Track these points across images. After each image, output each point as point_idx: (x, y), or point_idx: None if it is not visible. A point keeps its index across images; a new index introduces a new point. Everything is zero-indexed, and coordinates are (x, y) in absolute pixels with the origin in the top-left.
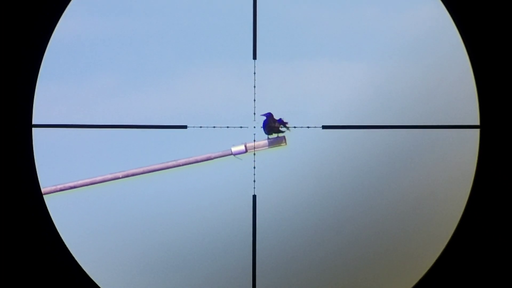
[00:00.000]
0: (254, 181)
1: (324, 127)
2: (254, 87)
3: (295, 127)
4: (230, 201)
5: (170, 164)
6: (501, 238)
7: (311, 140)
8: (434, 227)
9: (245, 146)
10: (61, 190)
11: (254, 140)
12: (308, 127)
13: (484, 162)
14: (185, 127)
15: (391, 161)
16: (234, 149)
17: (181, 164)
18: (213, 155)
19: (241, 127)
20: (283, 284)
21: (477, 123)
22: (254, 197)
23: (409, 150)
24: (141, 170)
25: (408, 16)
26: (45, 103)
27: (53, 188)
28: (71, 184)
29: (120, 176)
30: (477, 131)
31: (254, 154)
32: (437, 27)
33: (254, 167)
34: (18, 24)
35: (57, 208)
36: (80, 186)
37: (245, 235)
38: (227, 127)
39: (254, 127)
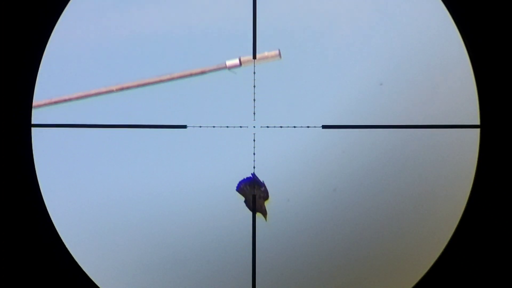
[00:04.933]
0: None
1: (324, 127)
2: (254, 86)
3: (295, 127)
4: (229, 201)
5: (164, 77)
6: (501, 238)
7: (311, 140)
8: (434, 227)
9: (240, 60)
10: (55, 102)
11: (254, 140)
12: (308, 127)
13: (484, 162)
14: (184, 126)
15: (390, 161)
16: (229, 63)
17: (175, 77)
18: (207, 68)
19: (240, 126)
20: (283, 284)
21: (477, 123)
22: (254, 197)
23: (409, 150)
24: (135, 83)
25: (408, 15)
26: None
27: (47, 101)
28: (66, 97)
29: (114, 90)
30: (477, 131)
31: (254, 153)
32: (437, 27)
33: (254, 167)
34: (17, 23)
35: (56, 207)
36: (75, 98)
37: (245, 235)
38: (227, 126)
39: (254, 126)
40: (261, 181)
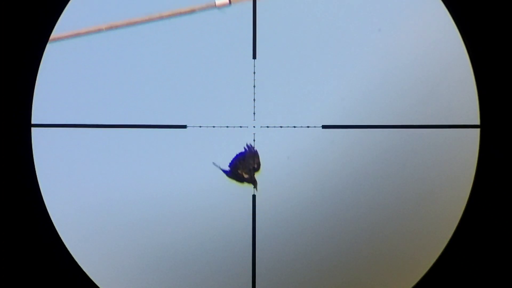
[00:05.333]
0: (254, 180)
1: (324, 127)
2: (254, 86)
3: (295, 126)
4: (229, 201)
5: (154, 16)
6: (501, 238)
7: (311, 140)
8: (434, 227)
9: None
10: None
11: (254, 140)
12: (308, 127)
13: (484, 162)
14: (184, 126)
15: (390, 161)
16: (218, 2)
17: (165, 15)
18: (197, 7)
19: (240, 126)
20: (283, 284)
21: (477, 123)
22: (254, 197)
23: (409, 150)
24: (125, 22)
25: (408, 15)
26: (45, 102)
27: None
28: (56, 36)
29: (104, 29)
30: (477, 131)
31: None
32: (437, 27)
33: (254, 167)
34: (17, 23)
35: (56, 207)
36: (69, 36)
37: (245, 235)
38: (227, 126)
39: (254, 126)
40: (255, 151)
